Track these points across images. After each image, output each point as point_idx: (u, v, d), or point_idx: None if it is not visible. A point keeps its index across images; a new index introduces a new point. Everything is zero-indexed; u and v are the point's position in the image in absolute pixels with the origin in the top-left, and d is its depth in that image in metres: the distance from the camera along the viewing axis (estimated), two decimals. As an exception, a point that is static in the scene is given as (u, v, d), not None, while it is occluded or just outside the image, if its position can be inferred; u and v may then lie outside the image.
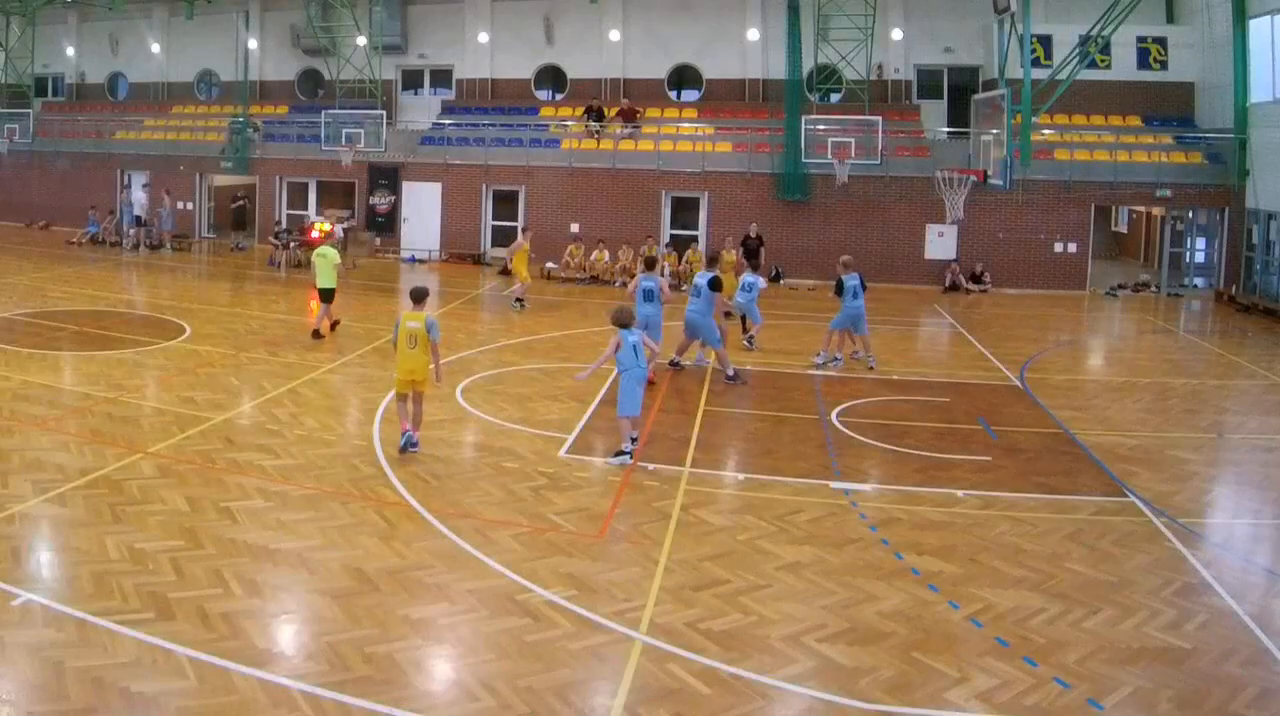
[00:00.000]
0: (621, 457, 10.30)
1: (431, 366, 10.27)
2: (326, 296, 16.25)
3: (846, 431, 11.86)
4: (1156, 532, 8.84)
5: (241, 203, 30.09)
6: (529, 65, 30.77)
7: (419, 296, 10.58)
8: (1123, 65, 26.05)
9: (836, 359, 15.57)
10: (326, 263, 16.17)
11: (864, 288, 15.55)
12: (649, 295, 13.94)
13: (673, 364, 14.79)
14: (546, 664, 6.28)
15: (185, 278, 23.78)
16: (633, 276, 23.92)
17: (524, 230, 20.65)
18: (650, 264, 14.89)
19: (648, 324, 13.80)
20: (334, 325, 16.73)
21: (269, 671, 6.00)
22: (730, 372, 14.16)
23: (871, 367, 15.35)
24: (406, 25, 31.24)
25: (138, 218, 29.11)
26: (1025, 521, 9.04)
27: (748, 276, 17.55)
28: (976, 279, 24.72)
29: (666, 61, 29.79)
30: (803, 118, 24.82)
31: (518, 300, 20.11)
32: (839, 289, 15.40)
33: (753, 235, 23.09)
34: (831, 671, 6.34)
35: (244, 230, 29.84)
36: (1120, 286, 25.20)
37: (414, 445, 10.29)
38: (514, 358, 15.47)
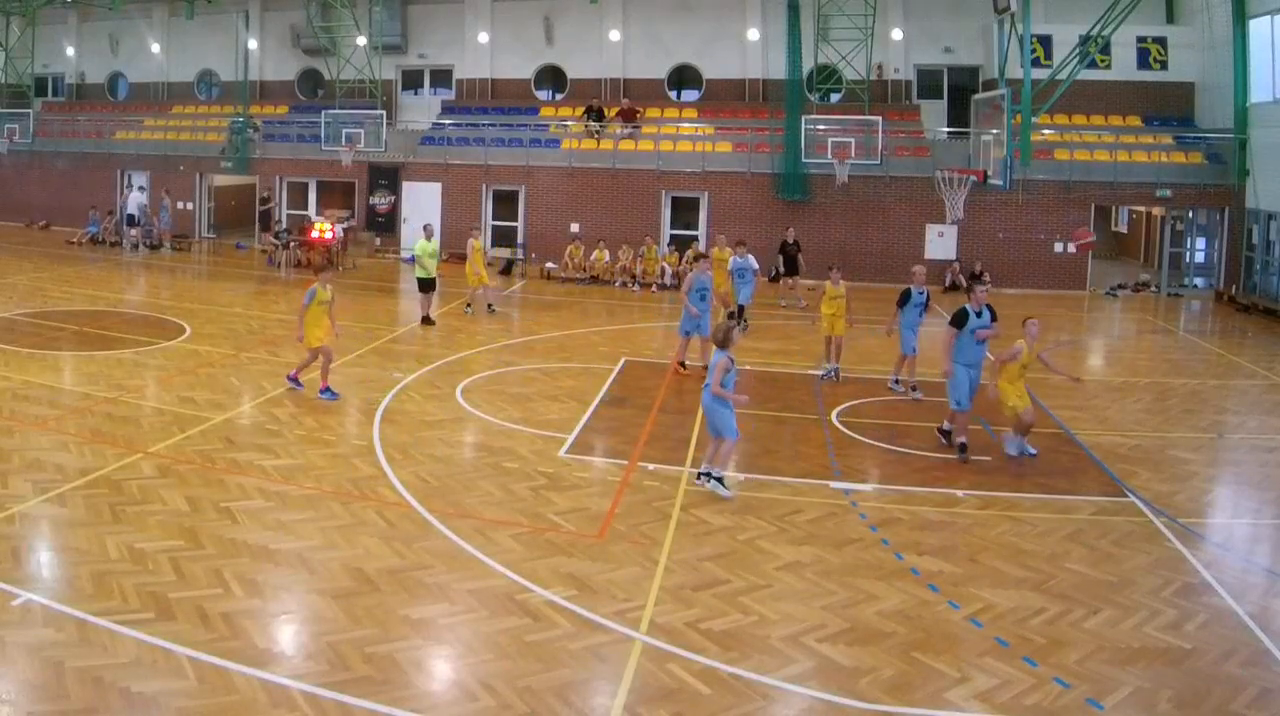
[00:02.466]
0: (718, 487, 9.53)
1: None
2: (430, 286, 17.92)
3: (846, 431, 11.85)
4: (1156, 532, 8.85)
5: (268, 205, 29.92)
6: (529, 65, 30.76)
7: (320, 267, 13.22)
8: (1123, 65, 26.03)
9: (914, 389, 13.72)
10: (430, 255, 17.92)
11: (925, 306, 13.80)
12: (704, 294, 14.23)
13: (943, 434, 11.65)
14: (546, 664, 6.28)
15: (185, 278, 23.79)
16: (633, 277, 24.12)
17: (473, 229, 19.61)
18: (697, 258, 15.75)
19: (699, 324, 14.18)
20: (426, 319, 17.98)
21: (269, 671, 6.00)
22: (958, 444, 10.91)
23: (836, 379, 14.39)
24: (406, 25, 31.24)
25: (131, 216, 29.08)
26: (1025, 521, 9.04)
27: (736, 259, 17.61)
28: (976, 278, 24.69)
29: (666, 61, 29.78)
30: (803, 118, 24.82)
31: (489, 305, 19.33)
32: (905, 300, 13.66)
33: (790, 241, 22.18)
34: (831, 671, 6.34)
35: (270, 231, 29.62)
36: (1120, 286, 25.19)
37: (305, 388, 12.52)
38: (514, 357, 15.47)
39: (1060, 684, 6.23)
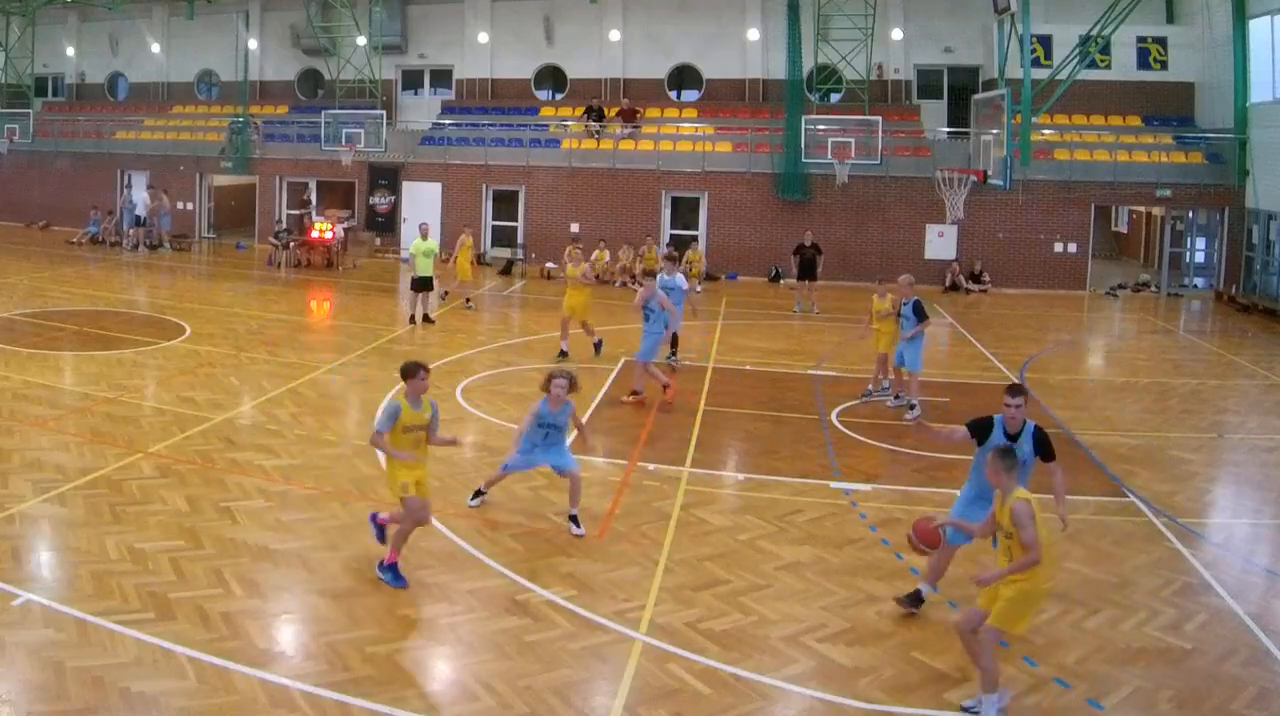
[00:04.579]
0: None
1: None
2: (427, 284, 17.75)
3: (846, 431, 11.85)
4: (1156, 532, 8.85)
5: (307, 209, 29.34)
6: (529, 65, 30.76)
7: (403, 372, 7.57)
8: (1123, 65, 26.03)
9: (911, 404, 12.72)
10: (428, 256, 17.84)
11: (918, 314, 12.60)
12: (647, 315, 12.84)
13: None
14: (546, 664, 6.29)
15: (185, 278, 23.79)
16: (632, 277, 24.05)
17: (466, 227, 21.03)
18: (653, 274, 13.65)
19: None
20: (426, 318, 17.96)
21: (269, 671, 6.00)
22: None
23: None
24: (406, 25, 31.23)
25: (138, 217, 29.08)
26: (1025, 521, 9.02)
27: (663, 278, 14.35)
28: (976, 278, 24.72)
29: (666, 61, 29.77)
30: (803, 118, 24.83)
31: (445, 293, 20.40)
32: (919, 313, 12.65)
33: (808, 243, 21.19)
34: (831, 671, 6.34)
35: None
36: (1120, 286, 25.20)
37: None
38: (514, 357, 15.47)
39: (1060, 684, 6.23)
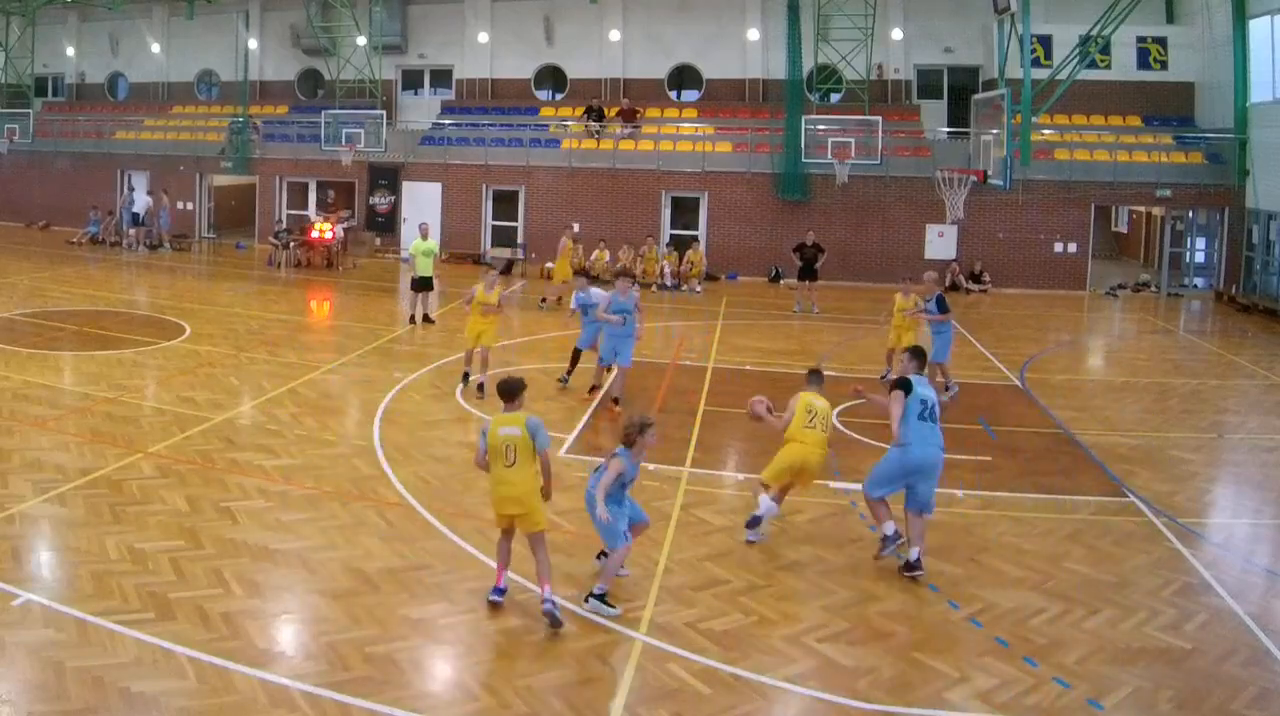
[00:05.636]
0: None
1: (541, 484, 7.05)
2: (424, 285, 17.78)
3: (846, 431, 11.84)
4: (1156, 532, 8.85)
5: (334, 211, 28.22)
6: (529, 65, 30.76)
7: (510, 392, 7.20)
8: (1123, 65, 26.03)
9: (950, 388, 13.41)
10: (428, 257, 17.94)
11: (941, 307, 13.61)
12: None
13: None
14: (546, 664, 6.29)
15: (185, 278, 23.78)
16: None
17: (567, 228, 22.00)
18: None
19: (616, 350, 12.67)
20: (426, 318, 18.01)
21: (269, 671, 6.00)
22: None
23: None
24: (406, 25, 31.23)
25: (136, 215, 29.07)
26: (1025, 521, 9.04)
27: (579, 293, 13.39)
28: (976, 278, 24.72)
29: (666, 61, 29.77)
30: (803, 118, 24.83)
31: (545, 299, 20.84)
32: (941, 306, 13.56)
33: (809, 243, 21.07)
34: (831, 671, 6.34)
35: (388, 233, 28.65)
36: (1120, 286, 25.19)
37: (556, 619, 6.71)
38: (514, 357, 15.45)
39: (1060, 684, 6.23)
